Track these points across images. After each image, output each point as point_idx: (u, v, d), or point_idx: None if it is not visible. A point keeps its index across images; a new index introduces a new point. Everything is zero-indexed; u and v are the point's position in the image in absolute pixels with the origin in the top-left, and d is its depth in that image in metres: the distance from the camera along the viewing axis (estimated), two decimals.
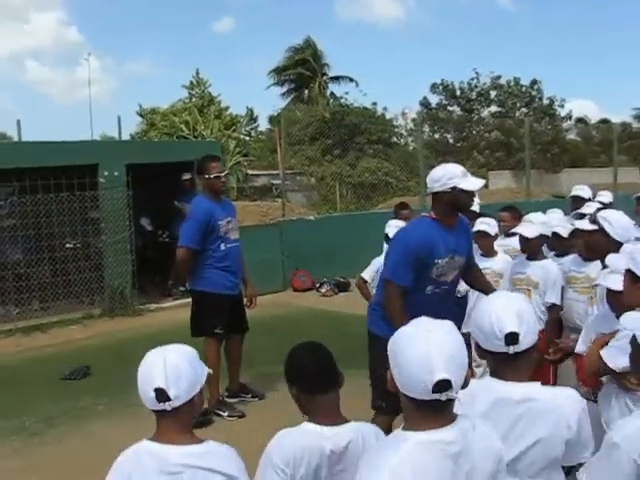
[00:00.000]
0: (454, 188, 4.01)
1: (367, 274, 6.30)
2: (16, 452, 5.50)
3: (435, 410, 1.94)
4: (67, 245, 10.94)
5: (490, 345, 2.37)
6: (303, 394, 2.51)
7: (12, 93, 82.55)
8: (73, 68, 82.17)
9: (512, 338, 2.31)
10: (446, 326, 2.01)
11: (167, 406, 2.22)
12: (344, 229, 12.34)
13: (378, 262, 6.38)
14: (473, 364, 5.84)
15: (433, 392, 1.88)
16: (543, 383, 2.47)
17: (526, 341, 2.33)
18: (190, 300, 6.35)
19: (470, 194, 4.11)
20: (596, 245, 4.41)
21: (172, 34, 74.81)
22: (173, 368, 2.24)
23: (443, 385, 1.87)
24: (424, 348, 1.91)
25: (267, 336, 7.92)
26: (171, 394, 2.22)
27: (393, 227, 6.28)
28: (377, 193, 19.43)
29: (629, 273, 3.10)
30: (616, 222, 4.30)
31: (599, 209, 5.32)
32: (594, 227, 4.37)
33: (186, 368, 2.27)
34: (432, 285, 4.20)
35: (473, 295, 5.79)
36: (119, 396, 6.60)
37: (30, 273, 10.61)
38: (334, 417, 2.48)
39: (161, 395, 2.21)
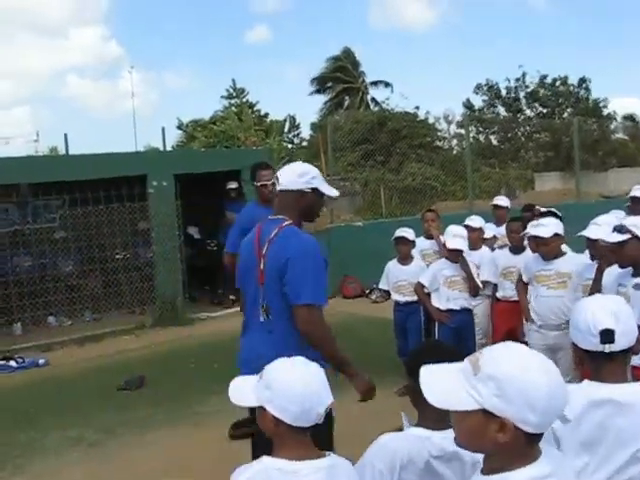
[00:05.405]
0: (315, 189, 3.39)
1: (425, 279, 6.19)
2: (77, 463, 5.47)
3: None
4: (117, 256, 11.04)
5: (586, 344, 2.31)
6: None
7: (55, 108, 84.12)
8: (114, 81, 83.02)
9: (607, 335, 2.25)
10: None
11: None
12: (392, 234, 12.14)
13: (434, 267, 6.28)
14: None
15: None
16: None
17: (622, 341, 2.27)
18: None
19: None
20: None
21: (208, 45, 75.47)
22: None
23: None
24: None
25: None
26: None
27: (456, 236, 6.11)
28: (422, 198, 19.22)
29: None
30: None
31: None
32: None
33: None
34: None
35: None
36: (177, 405, 6.61)
37: (82, 284, 10.74)
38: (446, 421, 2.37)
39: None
